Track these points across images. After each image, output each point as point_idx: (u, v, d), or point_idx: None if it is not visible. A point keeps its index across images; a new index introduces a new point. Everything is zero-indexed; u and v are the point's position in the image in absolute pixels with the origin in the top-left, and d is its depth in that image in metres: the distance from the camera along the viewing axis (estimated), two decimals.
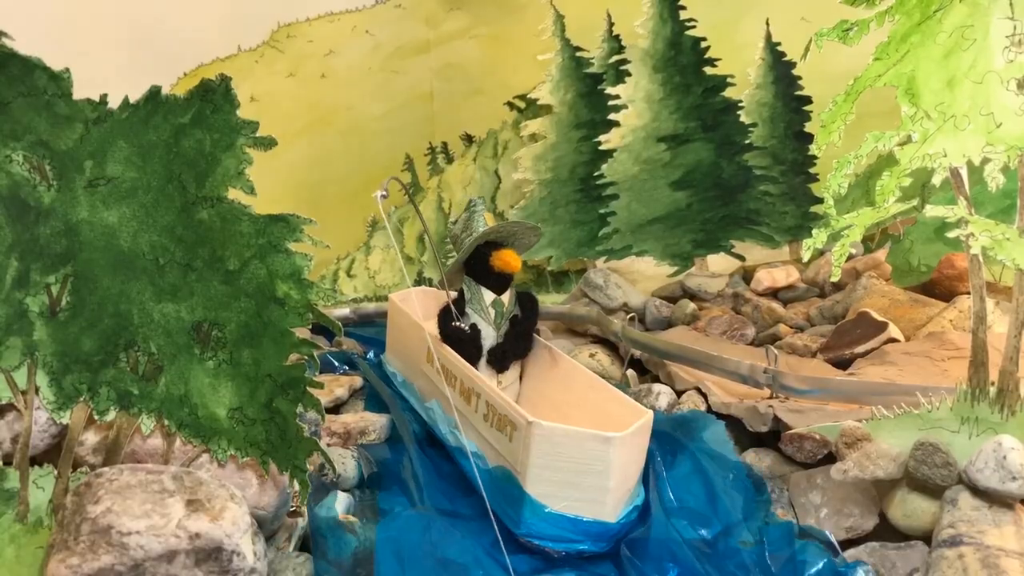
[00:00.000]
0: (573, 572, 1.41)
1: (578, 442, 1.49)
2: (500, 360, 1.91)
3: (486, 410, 1.63)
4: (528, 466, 1.49)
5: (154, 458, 1.45)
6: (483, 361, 1.91)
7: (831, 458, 1.65)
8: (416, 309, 2.09)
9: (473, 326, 1.89)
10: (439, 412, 1.87)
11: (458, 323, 1.88)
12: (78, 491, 1.29)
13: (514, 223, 1.88)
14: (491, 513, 1.50)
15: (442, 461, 1.81)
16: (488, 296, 1.91)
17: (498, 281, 1.91)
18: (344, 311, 2.76)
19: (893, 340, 2.12)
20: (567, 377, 1.90)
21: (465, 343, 1.87)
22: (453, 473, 1.75)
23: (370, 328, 2.64)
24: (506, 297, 1.93)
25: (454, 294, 1.94)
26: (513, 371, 1.96)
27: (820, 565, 1.48)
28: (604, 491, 1.51)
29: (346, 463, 1.74)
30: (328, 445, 1.82)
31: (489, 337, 1.91)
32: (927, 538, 1.47)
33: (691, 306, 2.59)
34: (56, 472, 1.40)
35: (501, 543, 1.44)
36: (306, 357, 1.48)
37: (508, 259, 1.87)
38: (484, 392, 1.65)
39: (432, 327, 1.94)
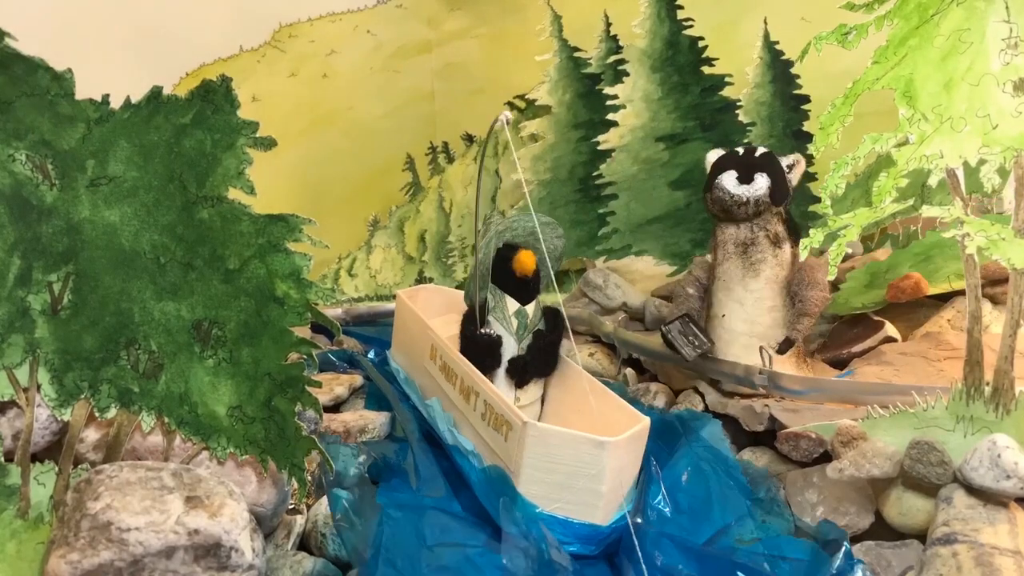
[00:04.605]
0: (566, 573, 1.41)
1: (572, 445, 1.50)
2: (520, 373, 1.84)
3: (484, 409, 1.64)
4: (521, 467, 1.50)
5: (154, 455, 1.45)
6: (502, 372, 1.84)
7: (827, 457, 1.65)
8: (423, 306, 2.09)
9: (497, 336, 1.84)
10: (439, 410, 1.87)
11: (483, 330, 1.83)
12: (78, 488, 1.30)
13: (527, 217, 1.82)
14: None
15: (441, 459, 1.81)
16: (512, 305, 1.85)
17: (522, 289, 1.85)
18: (337, 311, 2.76)
19: (890, 340, 2.11)
20: (568, 381, 1.89)
21: (483, 350, 1.81)
22: (451, 471, 1.75)
23: (369, 327, 2.65)
24: (530, 308, 1.87)
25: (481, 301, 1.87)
26: (535, 389, 1.89)
27: (816, 564, 1.49)
28: (596, 495, 1.51)
29: (345, 461, 1.75)
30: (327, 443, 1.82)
31: (510, 348, 1.85)
32: (922, 536, 1.48)
33: None
34: (57, 469, 1.41)
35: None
36: (305, 356, 1.49)
37: (524, 260, 1.81)
38: (483, 391, 1.66)
39: (437, 325, 1.94)
